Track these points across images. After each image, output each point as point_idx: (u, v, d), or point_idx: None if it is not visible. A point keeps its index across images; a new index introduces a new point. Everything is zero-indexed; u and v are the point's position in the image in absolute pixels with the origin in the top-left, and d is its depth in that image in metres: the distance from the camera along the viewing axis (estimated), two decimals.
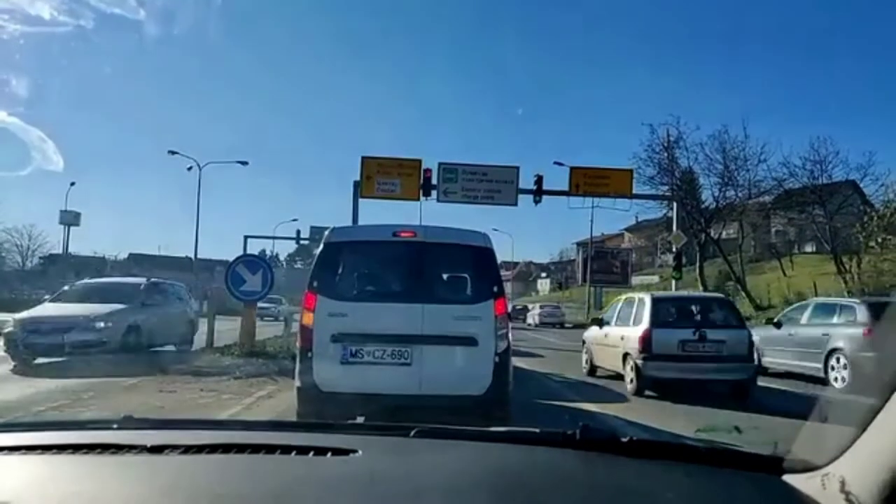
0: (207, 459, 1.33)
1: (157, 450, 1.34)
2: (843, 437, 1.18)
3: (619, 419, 7.12)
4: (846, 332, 10.69)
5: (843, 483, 1.11)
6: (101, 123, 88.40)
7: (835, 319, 11.38)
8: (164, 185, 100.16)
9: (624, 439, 1.43)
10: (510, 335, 5.99)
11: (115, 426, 1.55)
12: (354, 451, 1.37)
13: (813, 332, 11.51)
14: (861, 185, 27.20)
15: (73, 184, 44.26)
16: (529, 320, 38.22)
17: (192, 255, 40.65)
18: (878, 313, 10.30)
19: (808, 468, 1.24)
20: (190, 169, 38.38)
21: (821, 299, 14.67)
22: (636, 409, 7.84)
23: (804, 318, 12.25)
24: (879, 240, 21.30)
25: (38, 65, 47.89)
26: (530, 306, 42.56)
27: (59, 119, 75.57)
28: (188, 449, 1.35)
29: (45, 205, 79.88)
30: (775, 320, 12.98)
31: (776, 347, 12.23)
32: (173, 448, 1.35)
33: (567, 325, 35.52)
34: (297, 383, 5.80)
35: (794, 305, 14.16)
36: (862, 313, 10.74)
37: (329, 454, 1.36)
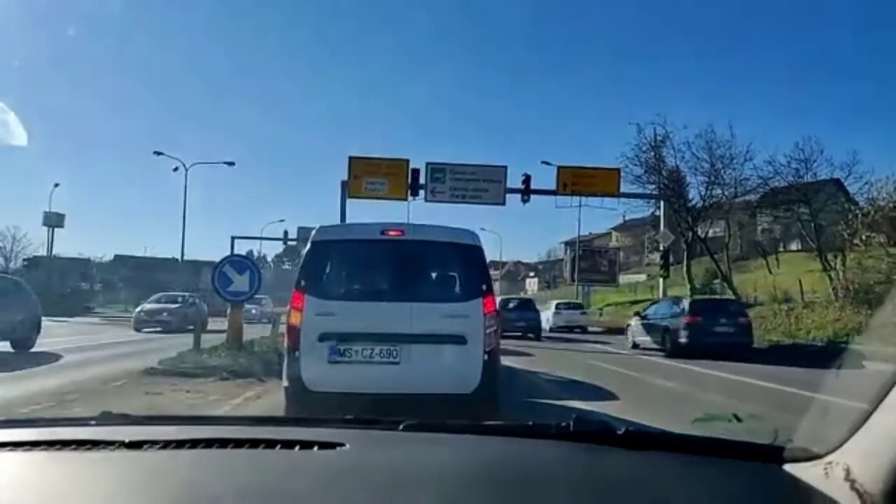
0: (188, 454, 1.28)
1: (135, 445, 1.29)
2: (843, 427, 1.16)
3: (610, 417, 7.08)
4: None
5: (847, 471, 1.08)
6: (86, 125, 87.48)
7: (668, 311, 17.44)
8: (150, 186, 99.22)
9: (619, 431, 1.40)
10: (499, 333, 5.97)
11: (92, 422, 1.49)
12: (342, 445, 1.32)
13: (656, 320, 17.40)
14: (845, 184, 27.46)
15: (56, 185, 43.71)
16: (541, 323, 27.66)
17: (178, 256, 40.31)
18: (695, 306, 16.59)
19: (809, 457, 1.21)
20: (176, 170, 38.05)
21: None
22: (627, 408, 7.82)
23: (651, 311, 18.73)
24: (864, 237, 21.48)
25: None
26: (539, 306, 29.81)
27: (43, 119, 74.98)
28: (168, 444, 1.29)
29: (10, 186, 75.91)
30: (641, 313, 19.28)
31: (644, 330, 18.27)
32: (152, 443, 1.29)
33: (592, 330, 28.37)
34: (285, 383, 5.75)
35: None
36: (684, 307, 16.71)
37: (315, 448, 1.31)
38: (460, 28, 74.06)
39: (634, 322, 19.52)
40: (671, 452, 1.35)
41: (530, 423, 1.53)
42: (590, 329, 28.85)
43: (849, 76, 62.76)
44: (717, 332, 15.69)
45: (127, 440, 1.30)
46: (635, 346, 18.70)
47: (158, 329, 22.44)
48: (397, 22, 78.87)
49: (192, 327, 21.23)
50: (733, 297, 25.01)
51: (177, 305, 24.60)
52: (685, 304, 17.40)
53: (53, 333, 20.31)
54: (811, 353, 15.91)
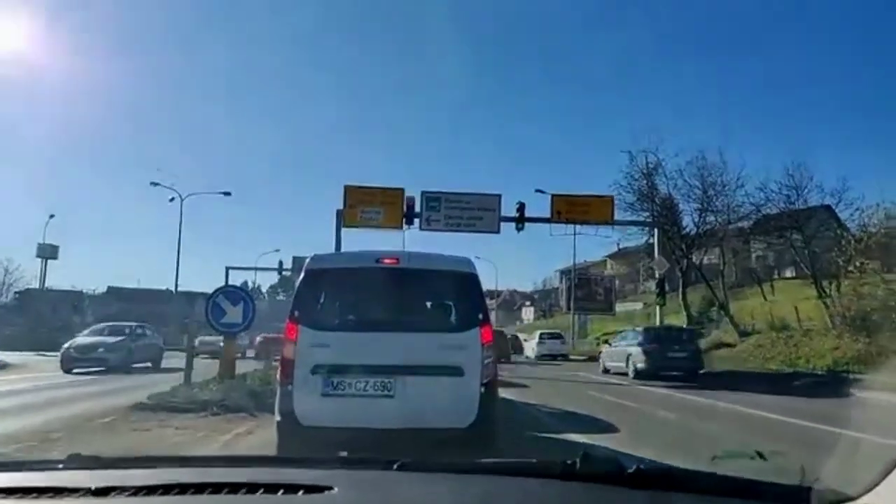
0: (161, 502, 1.16)
1: (102, 492, 1.17)
2: (875, 467, 1.07)
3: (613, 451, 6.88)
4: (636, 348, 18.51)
5: None
6: (82, 155, 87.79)
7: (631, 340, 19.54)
8: (146, 217, 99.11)
9: (630, 469, 1.29)
10: (496, 364, 5.84)
11: (59, 466, 1.38)
12: (329, 489, 1.21)
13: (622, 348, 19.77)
14: (836, 210, 27.59)
15: (52, 216, 43.63)
16: (528, 352, 33.31)
17: (172, 288, 40.08)
18: (651, 335, 18.88)
19: (840, 500, 1.11)
20: (172, 200, 38.16)
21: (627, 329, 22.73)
22: (630, 441, 7.65)
23: (618, 340, 21.29)
24: (858, 264, 21.49)
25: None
26: (524, 336, 37.40)
27: (38, 150, 75.19)
28: (138, 490, 1.18)
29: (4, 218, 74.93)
30: (611, 342, 22.18)
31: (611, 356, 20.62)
32: (121, 490, 1.18)
33: (573, 358, 31.55)
34: (277, 417, 5.58)
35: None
36: (642, 336, 18.99)
37: (301, 492, 1.20)
38: (455, 58, 75.19)
39: (605, 350, 22.31)
40: (688, 493, 1.24)
41: (534, 460, 1.43)
42: (571, 357, 31.29)
43: (836, 102, 63.91)
44: (670, 358, 17.76)
45: (94, 487, 1.18)
46: (606, 370, 20.70)
47: (97, 369, 18.37)
48: (392, 52, 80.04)
49: (142, 365, 19.66)
50: (687, 325, 25.88)
51: (118, 339, 19.84)
52: (641, 333, 19.56)
53: (39, 368, 19.99)
54: (801, 381, 15.85)
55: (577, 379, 19.00)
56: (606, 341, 23.69)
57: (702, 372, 18.01)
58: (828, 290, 24.58)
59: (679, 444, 7.44)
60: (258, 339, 26.91)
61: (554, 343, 32.64)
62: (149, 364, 20.68)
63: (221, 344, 22.35)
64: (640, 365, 17.92)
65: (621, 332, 23.13)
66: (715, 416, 10.29)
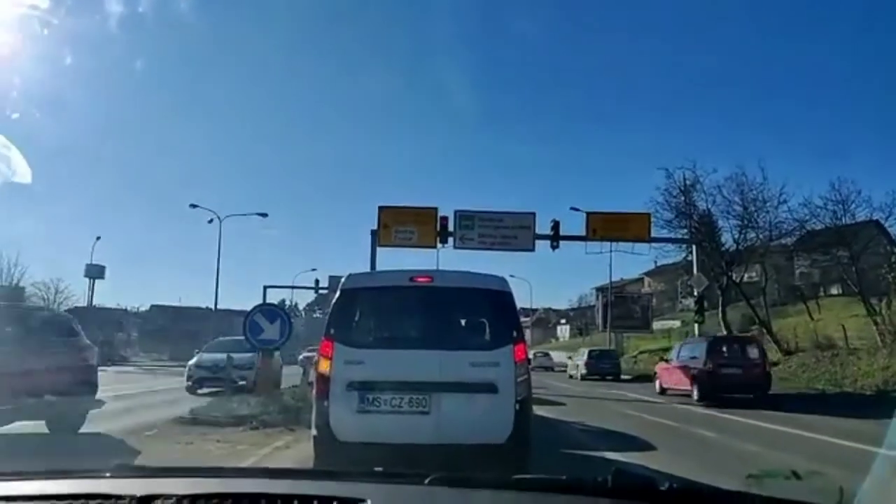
0: None
1: (146, 500, 1.23)
2: None
3: (648, 469, 6.76)
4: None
5: None
6: (126, 179, 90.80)
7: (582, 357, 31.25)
8: (187, 238, 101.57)
9: (662, 487, 1.29)
10: (530, 382, 5.83)
11: (107, 475, 1.44)
12: (362, 501, 1.24)
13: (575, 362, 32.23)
14: (886, 226, 26.67)
15: (98, 238, 45.29)
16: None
17: (212, 306, 40.89)
18: (591, 354, 30.91)
19: None
20: (210, 221, 39.00)
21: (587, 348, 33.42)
22: (665, 459, 7.50)
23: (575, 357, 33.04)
24: None
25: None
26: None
27: (82, 173, 78.27)
28: (182, 499, 1.23)
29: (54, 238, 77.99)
30: (572, 358, 34.12)
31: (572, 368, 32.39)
32: (165, 497, 1.23)
33: (556, 369, 40.88)
34: (314, 432, 5.68)
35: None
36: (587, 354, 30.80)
37: (334, 503, 1.24)
38: (486, 79, 75.70)
39: (570, 362, 33.93)
40: None
41: (565, 477, 1.43)
42: (555, 369, 40.48)
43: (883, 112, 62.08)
44: (600, 367, 29.44)
45: (139, 494, 1.24)
46: (570, 377, 31.06)
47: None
48: (426, 72, 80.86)
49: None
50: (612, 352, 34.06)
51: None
52: (586, 353, 31.06)
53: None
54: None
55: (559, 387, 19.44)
56: (570, 357, 35.48)
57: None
58: (877, 308, 23.74)
59: (715, 461, 7.25)
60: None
61: (543, 358, 42.73)
62: None
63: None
64: (583, 371, 29.63)
65: (579, 351, 33.82)
66: (741, 431, 10.01)
